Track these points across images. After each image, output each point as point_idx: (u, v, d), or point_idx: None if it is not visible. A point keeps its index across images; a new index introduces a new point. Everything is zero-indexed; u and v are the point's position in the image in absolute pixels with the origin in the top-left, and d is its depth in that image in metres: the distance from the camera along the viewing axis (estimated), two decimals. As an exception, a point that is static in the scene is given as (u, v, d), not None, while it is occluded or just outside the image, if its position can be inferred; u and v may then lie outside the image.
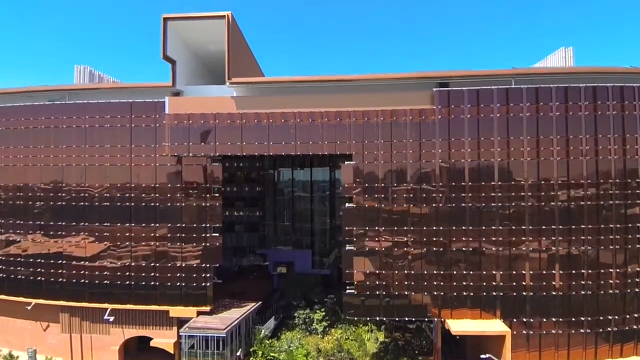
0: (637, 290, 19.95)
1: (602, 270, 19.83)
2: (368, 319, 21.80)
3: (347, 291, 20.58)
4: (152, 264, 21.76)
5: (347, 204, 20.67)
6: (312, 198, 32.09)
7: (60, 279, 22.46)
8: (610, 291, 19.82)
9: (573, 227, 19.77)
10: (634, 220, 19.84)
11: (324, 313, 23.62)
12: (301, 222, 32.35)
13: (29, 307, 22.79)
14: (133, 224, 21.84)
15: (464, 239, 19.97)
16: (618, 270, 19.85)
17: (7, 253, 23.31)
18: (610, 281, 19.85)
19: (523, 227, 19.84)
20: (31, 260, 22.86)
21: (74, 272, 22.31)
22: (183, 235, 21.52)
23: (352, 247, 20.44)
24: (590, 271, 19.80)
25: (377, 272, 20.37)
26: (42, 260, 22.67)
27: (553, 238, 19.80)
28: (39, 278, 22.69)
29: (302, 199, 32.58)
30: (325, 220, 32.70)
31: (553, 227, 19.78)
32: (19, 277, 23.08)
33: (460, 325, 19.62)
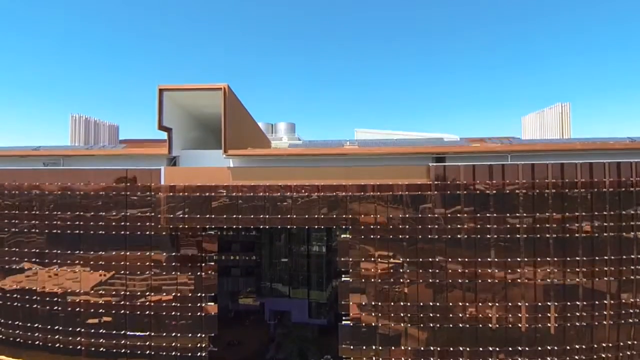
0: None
1: (595, 345, 19.94)
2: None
3: (343, 367, 20.60)
4: (147, 332, 21.66)
5: (343, 278, 20.65)
6: (309, 244, 32.13)
7: (57, 344, 22.34)
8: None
9: (568, 303, 19.90)
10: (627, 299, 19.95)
11: (320, 377, 23.63)
12: (297, 269, 32.45)
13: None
14: (128, 292, 21.75)
15: (460, 314, 20.00)
16: (611, 344, 20.01)
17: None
18: (603, 355, 19.99)
19: (519, 302, 19.92)
20: (28, 324, 22.73)
21: (70, 338, 22.19)
22: (178, 304, 21.44)
23: (349, 322, 20.43)
24: (584, 346, 19.91)
25: (373, 346, 20.33)
26: (39, 325, 22.54)
27: (548, 314, 19.87)
28: (37, 342, 22.56)
29: (298, 244, 32.61)
30: (322, 267, 32.84)
31: (549, 303, 19.88)
32: (18, 340, 22.95)
33: (456, 402, 19.65)
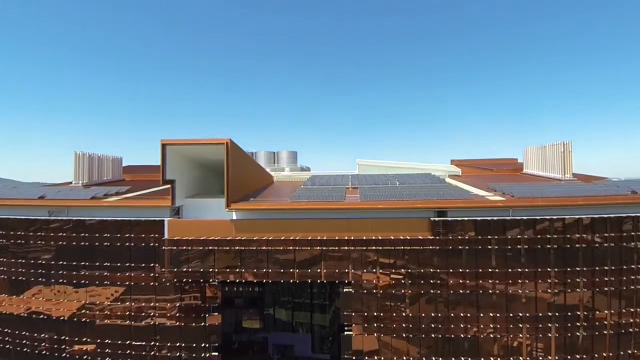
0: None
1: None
2: None
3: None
4: (153, 381, 21.96)
5: (345, 331, 20.86)
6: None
7: (62, 392, 22.73)
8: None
9: (569, 357, 20.05)
10: (626, 349, 20.10)
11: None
12: (301, 293, 32.63)
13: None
14: (133, 342, 22.01)
15: (461, 369, 20.21)
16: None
17: None
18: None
19: (521, 357, 20.08)
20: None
21: (75, 385, 22.54)
22: (182, 355, 21.70)
23: (351, 376, 20.67)
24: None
25: (375, 398, 20.59)
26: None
27: (549, 369, 20.06)
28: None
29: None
30: (325, 291, 32.98)
31: (549, 357, 20.05)
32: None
33: None
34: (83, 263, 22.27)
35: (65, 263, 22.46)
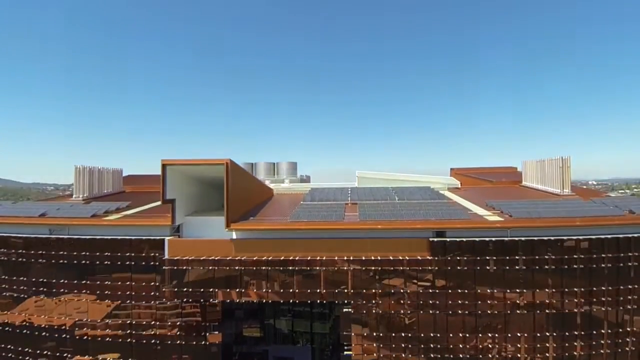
0: None
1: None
2: None
3: None
4: (154, 399, 22.13)
5: (345, 352, 21.02)
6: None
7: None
8: None
9: (567, 376, 20.26)
10: (626, 369, 20.29)
11: None
12: (301, 306, 32.82)
13: None
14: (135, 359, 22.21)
15: (460, 388, 20.38)
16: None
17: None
18: None
19: (518, 377, 20.30)
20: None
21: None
22: (184, 372, 21.88)
23: (351, 394, 20.86)
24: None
25: (374, 417, 20.77)
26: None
27: (547, 388, 20.24)
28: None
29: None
30: (324, 308, 33.16)
31: (547, 376, 20.25)
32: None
33: None
34: (84, 281, 22.42)
35: (66, 281, 22.61)
